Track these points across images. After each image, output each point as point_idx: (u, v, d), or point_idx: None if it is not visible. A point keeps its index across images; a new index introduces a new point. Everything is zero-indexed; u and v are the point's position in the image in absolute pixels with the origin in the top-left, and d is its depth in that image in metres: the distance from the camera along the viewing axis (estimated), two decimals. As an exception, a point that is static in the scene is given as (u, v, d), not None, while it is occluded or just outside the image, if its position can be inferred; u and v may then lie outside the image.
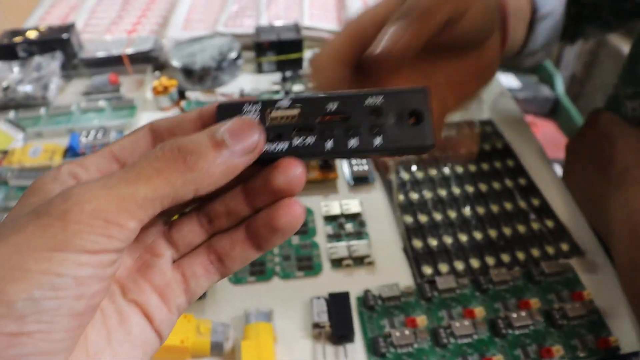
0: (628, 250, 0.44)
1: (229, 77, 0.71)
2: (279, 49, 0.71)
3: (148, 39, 0.76)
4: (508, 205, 0.52)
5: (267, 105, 0.23)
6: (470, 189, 0.53)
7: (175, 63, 0.69)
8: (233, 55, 0.70)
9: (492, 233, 0.49)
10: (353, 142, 0.23)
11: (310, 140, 0.23)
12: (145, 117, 0.66)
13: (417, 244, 0.48)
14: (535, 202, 0.52)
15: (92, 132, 0.62)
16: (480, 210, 0.51)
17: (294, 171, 0.22)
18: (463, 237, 0.48)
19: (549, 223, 0.50)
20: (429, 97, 0.23)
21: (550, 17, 0.48)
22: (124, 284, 0.22)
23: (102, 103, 0.67)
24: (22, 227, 0.19)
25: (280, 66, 0.72)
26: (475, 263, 0.46)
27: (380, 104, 0.23)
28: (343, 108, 0.23)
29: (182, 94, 0.68)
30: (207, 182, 0.21)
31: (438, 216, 0.50)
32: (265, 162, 0.23)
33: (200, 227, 0.24)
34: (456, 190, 0.53)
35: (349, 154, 0.23)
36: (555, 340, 0.42)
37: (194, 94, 0.68)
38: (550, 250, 0.48)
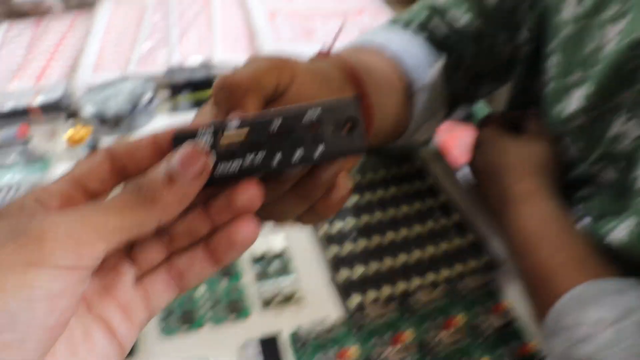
0: (517, 267, 0.47)
1: (146, 119, 0.70)
2: (193, 87, 0.71)
3: (57, 86, 0.73)
4: (430, 224, 0.54)
5: (218, 128, 0.25)
6: (392, 212, 0.55)
7: (88, 110, 0.68)
8: (147, 97, 0.69)
9: (417, 254, 0.51)
10: (298, 153, 0.26)
11: (260, 156, 0.25)
12: (60, 169, 0.64)
13: (344, 274, 0.49)
14: (456, 217, 0.55)
15: (4, 190, 0.60)
16: (404, 231, 0.53)
17: (252, 191, 0.25)
18: (388, 262, 0.50)
19: (469, 237, 0.53)
20: (360, 105, 0.26)
21: (427, 88, 0.48)
22: (89, 301, 0.24)
23: (12, 158, 0.65)
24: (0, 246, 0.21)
25: (197, 103, 0.72)
26: (401, 286, 0.48)
27: (318, 116, 0.26)
28: (286, 124, 0.26)
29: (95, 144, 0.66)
30: (167, 213, 0.24)
31: (363, 243, 0.51)
32: (221, 181, 0.25)
33: (161, 247, 0.26)
34: (379, 215, 0.55)
35: (296, 165, 0.26)
36: (484, 352, 0.44)
37: (108, 141, 0.67)
38: (472, 264, 0.50)
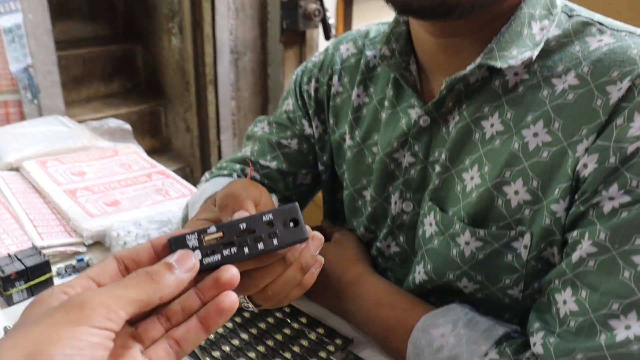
0: (368, 332, 0.66)
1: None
2: (27, 275, 0.73)
3: None
4: (287, 331, 0.67)
5: (201, 233, 0.38)
6: (263, 326, 0.67)
7: None
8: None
9: (286, 356, 0.63)
10: (260, 245, 0.38)
11: (233, 250, 0.38)
12: None
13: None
14: (303, 320, 0.69)
15: None
16: (270, 342, 0.65)
17: (232, 272, 0.37)
18: (273, 367, 0.61)
19: (320, 330, 0.67)
20: (298, 207, 0.40)
21: None
22: None
23: None
24: (51, 313, 0.31)
25: (34, 290, 0.73)
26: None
27: (271, 218, 0.39)
28: (249, 226, 0.39)
29: None
30: (168, 292, 0.35)
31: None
32: (207, 270, 0.37)
33: (160, 325, 0.36)
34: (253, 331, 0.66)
35: (259, 254, 0.38)
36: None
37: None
38: (331, 348, 0.65)
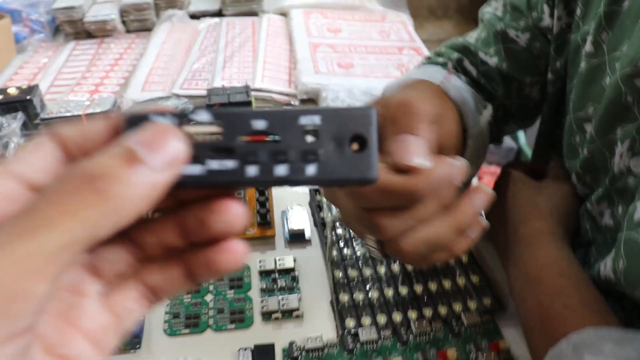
0: (518, 309, 0.48)
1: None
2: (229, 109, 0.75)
3: (107, 100, 0.79)
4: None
5: (182, 118, 0.19)
6: (400, 244, 0.57)
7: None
8: (186, 116, 0.74)
9: (418, 288, 0.52)
10: (281, 170, 0.20)
11: (230, 164, 0.20)
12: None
13: (344, 297, 0.50)
14: (464, 258, 0.56)
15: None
16: (409, 266, 0.54)
17: (233, 212, 0.20)
18: (389, 292, 0.51)
19: (474, 278, 0.53)
20: (376, 119, 0.20)
21: (476, 136, 0.48)
22: (46, 339, 0.19)
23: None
24: None
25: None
26: (397, 317, 0.49)
27: (317, 125, 0.20)
28: (272, 127, 0.20)
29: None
30: (128, 210, 0.17)
31: (367, 272, 0.53)
32: (187, 186, 0.20)
33: (128, 254, 0.21)
34: (387, 246, 0.56)
35: (274, 183, 0.20)
36: (472, 389, 0.45)
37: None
38: (472, 305, 0.51)
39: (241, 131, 0.20)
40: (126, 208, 0.17)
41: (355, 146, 0.20)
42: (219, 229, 0.21)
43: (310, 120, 0.20)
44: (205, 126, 0.20)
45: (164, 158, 0.18)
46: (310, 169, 0.20)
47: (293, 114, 0.20)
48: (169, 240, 0.21)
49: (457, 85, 0.49)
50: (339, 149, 0.20)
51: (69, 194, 0.17)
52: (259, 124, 0.20)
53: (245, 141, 0.20)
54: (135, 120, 0.19)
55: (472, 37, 0.59)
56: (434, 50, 0.63)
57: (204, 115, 0.20)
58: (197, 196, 0.21)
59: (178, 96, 0.79)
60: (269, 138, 0.20)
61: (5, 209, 0.18)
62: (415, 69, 0.60)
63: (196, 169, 0.19)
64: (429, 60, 0.61)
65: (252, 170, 0.20)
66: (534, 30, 0.55)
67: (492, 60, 0.56)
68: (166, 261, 0.22)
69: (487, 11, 0.59)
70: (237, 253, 0.21)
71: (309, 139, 0.20)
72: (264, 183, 0.20)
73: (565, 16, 0.52)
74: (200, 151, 0.19)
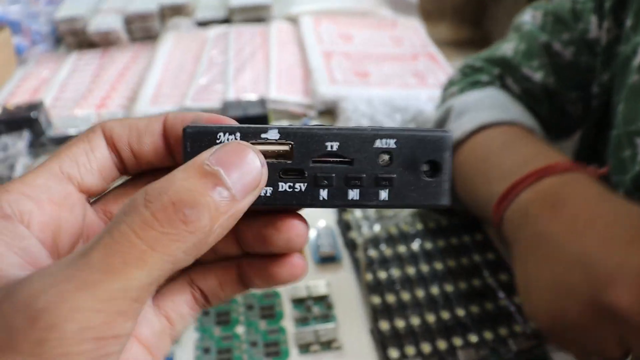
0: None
1: (198, 153, 0.71)
2: (246, 123, 0.72)
3: (116, 116, 0.76)
4: (476, 282, 0.52)
5: (248, 135, 0.19)
6: (438, 265, 0.54)
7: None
8: (201, 131, 0.71)
9: (460, 312, 0.49)
10: (354, 194, 0.19)
11: (300, 186, 0.19)
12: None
13: (384, 325, 0.47)
14: (503, 277, 0.53)
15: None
16: (449, 288, 0.51)
17: (296, 231, 0.20)
18: (430, 318, 0.48)
19: (518, 299, 0.50)
20: (451, 144, 0.20)
21: None
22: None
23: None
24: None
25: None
26: (442, 345, 0.46)
27: (391, 147, 0.19)
28: (346, 149, 0.19)
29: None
30: (212, 242, 0.16)
31: (406, 296, 0.50)
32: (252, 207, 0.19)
33: None
34: (424, 268, 0.53)
35: (343, 206, 0.20)
36: None
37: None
38: (518, 328, 0.48)
39: (314, 152, 0.19)
40: (211, 239, 0.16)
41: (426, 169, 0.20)
42: (281, 246, 0.21)
43: (385, 144, 0.19)
44: (275, 145, 0.19)
45: (246, 182, 0.17)
46: (383, 194, 0.19)
47: (368, 136, 0.19)
48: (224, 248, 0.22)
49: (520, 112, 0.50)
50: (412, 174, 0.20)
51: (157, 225, 0.15)
52: (332, 145, 0.19)
53: (317, 163, 0.19)
54: (199, 135, 0.18)
55: (509, 48, 0.56)
56: (466, 63, 0.60)
57: (273, 134, 0.19)
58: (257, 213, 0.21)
59: (190, 109, 0.76)
60: (341, 159, 0.19)
61: (67, 219, 0.18)
62: (473, 92, 0.54)
63: (264, 191, 0.19)
64: (469, 78, 0.57)
65: (323, 194, 0.19)
66: (579, 43, 0.52)
67: (537, 76, 0.53)
68: (219, 266, 0.22)
69: (526, 21, 0.56)
70: (298, 268, 0.21)
71: (382, 162, 0.19)
72: (334, 206, 0.20)
73: (615, 28, 0.49)
74: (270, 171, 0.19)
